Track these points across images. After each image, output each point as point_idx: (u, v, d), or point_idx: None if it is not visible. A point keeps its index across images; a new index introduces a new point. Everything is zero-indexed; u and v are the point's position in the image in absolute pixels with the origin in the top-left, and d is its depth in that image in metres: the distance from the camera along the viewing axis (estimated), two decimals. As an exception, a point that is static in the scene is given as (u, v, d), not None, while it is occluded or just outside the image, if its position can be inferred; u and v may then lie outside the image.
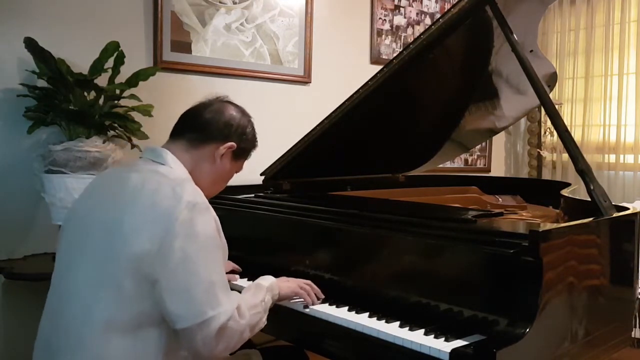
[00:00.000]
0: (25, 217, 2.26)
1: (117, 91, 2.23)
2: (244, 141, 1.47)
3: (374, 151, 2.27)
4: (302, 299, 1.50)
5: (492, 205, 2.36)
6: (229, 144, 1.43)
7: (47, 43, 2.11)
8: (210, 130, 1.42)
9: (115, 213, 1.24)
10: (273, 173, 2.14)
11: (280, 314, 1.51)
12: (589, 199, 1.53)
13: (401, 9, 3.61)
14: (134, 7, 2.55)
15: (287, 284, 1.50)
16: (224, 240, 1.34)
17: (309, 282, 1.55)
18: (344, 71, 3.27)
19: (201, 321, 1.18)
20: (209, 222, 1.25)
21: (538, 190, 2.62)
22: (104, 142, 2.16)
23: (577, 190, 2.03)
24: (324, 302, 1.50)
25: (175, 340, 1.23)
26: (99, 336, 1.18)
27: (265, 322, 1.36)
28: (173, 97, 2.59)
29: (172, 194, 1.22)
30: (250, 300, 1.33)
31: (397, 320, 1.33)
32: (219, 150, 1.42)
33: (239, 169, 1.52)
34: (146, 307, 1.19)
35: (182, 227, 1.19)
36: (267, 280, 1.46)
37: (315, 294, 1.52)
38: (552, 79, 2.35)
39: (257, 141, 1.53)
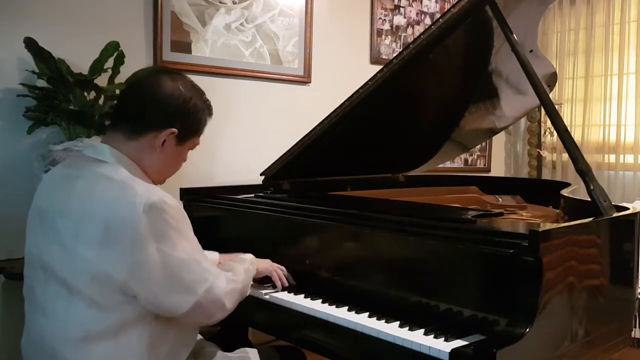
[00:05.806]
0: (25, 217, 2.24)
1: (117, 91, 2.23)
2: (188, 119, 1.29)
3: (374, 151, 2.26)
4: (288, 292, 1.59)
5: (492, 205, 2.35)
6: (167, 131, 1.25)
7: (47, 43, 2.11)
8: (144, 118, 1.25)
9: (69, 228, 1.17)
10: (273, 173, 2.14)
11: (280, 314, 1.51)
12: (589, 199, 1.53)
13: (401, 9, 3.61)
14: (134, 7, 2.55)
15: (263, 263, 1.61)
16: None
17: (282, 267, 1.65)
18: (344, 71, 3.26)
19: (203, 292, 1.20)
20: (169, 213, 1.16)
21: (538, 190, 2.62)
22: (104, 142, 2.16)
23: (577, 190, 2.03)
24: (323, 302, 1.50)
25: (158, 333, 1.21)
26: (78, 349, 1.15)
27: (249, 292, 1.43)
28: (173, 97, 2.59)
29: (124, 200, 1.14)
30: (238, 266, 1.42)
31: (397, 320, 1.33)
32: (158, 139, 1.26)
33: (192, 146, 1.35)
34: (126, 310, 1.16)
35: (148, 232, 1.13)
36: (246, 255, 1.56)
37: (287, 279, 1.64)
38: (552, 79, 2.35)
39: (209, 109, 1.35)
